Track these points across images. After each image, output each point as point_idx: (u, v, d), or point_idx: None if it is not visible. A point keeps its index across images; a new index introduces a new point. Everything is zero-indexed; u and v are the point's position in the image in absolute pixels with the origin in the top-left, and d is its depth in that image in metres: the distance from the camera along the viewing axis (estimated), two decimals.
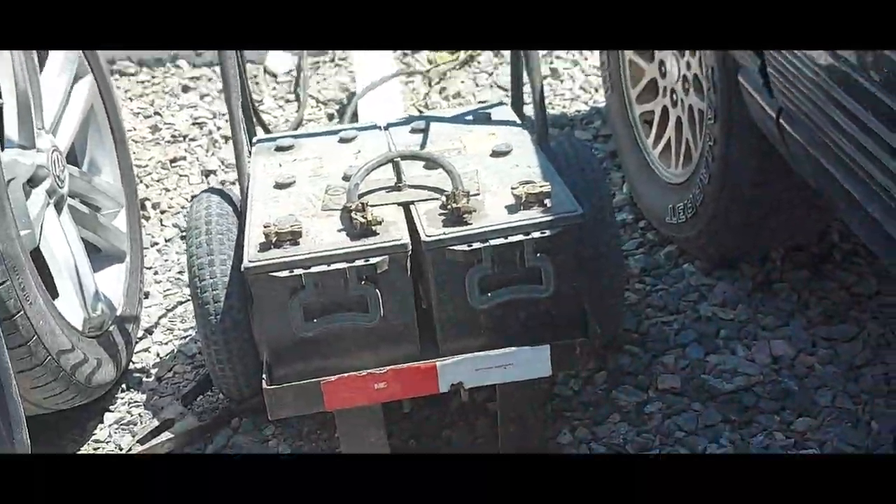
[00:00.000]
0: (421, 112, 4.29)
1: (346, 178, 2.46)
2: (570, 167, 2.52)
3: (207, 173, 3.97)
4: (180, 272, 3.37)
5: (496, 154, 2.50)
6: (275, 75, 4.78)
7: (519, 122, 2.71)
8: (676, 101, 3.03)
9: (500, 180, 2.37)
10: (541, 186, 2.22)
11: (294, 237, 2.17)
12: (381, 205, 2.31)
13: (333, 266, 2.13)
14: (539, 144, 2.56)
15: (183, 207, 3.77)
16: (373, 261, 2.14)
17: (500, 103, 2.85)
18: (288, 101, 4.58)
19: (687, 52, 2.87)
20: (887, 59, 1.54)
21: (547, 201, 2.22)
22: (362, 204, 2.20)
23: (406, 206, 2.32)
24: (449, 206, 2.21)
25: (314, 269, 2.12)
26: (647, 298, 2.97)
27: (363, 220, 2.17)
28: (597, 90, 4.26)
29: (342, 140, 2.69)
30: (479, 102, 4.30)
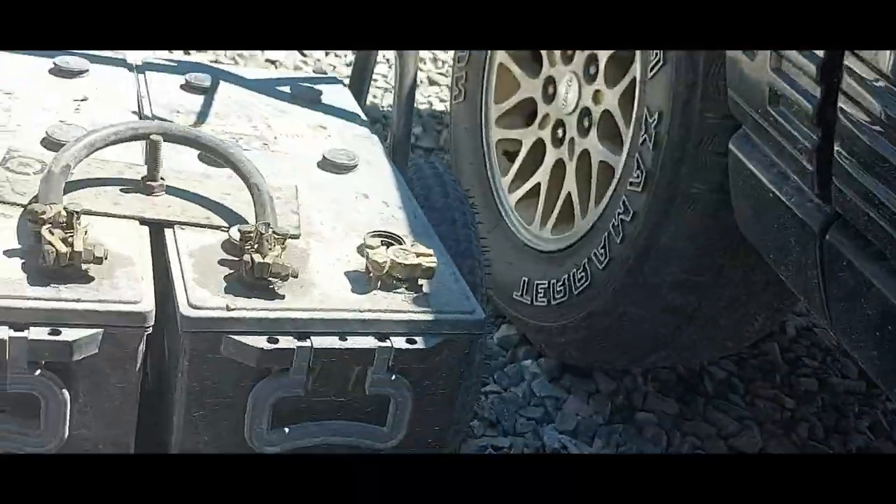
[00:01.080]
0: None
1: (48, 143, 1.33)
2: (434, 213, 1.54)
3: None
4: None
5: (331, 166, 1.47)
6: None
7: (364, 117, 1.68)
8: (563, 140, 2.13)
9: (339, 218, 1.35)
10: (420, 255, 1.22)
11: None
12: (108, 216, 1.21)
13: None
14: (397, 166, 1.56)
15: None
16: (67, 335, 1.05)
17: (334, 80, 1.81)
18: None
19: (602, 77, 1.98)
20: None
21: (425, 285, 1.23)
22: (68, 211, 1.09)
23: (159, 229, 1.24)
24: (244, 254, 1.16)
25: None
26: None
27: (62, 249, 1.07)
28: (423, 83, 3.29)
29: (60, 71, 1.53)
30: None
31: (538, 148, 2.23)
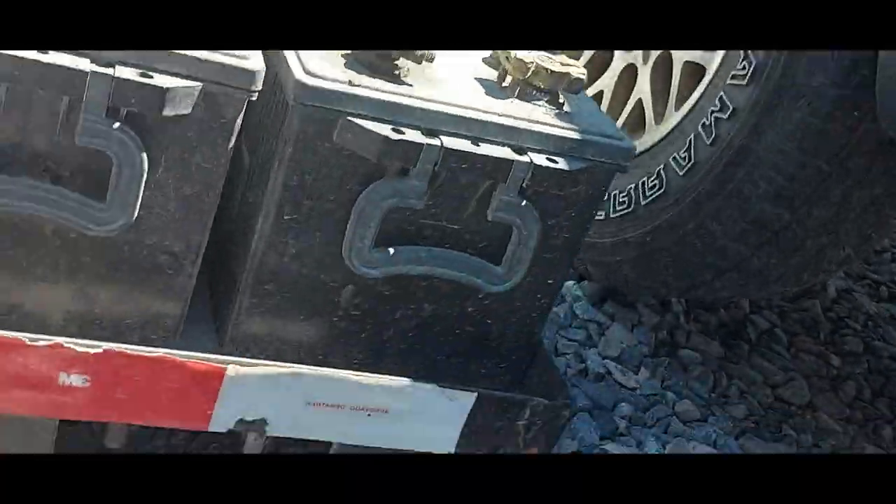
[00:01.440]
0: None
1: None
2: None
3: None
4: None
5: None
6: None
7: None
8: None
9: None
10: (565, 64, 1.03)
11: None
12: None
13: (55, 60, 0.82)
14: None
15: None
16: (160, 81, 0.84)
17: None
18: None
19: None
20: None
21: (567, 104, 1.04)
22: None
23: None
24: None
25: None
26: None
27: None
28: None
29: None
30: None
31: (603, 53, 2.06)
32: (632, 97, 1.95)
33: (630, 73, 1.97)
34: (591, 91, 2.06)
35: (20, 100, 0.85)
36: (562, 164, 0.99)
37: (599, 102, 2.03)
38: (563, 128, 1.00)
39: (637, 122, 1.93)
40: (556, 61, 1.03)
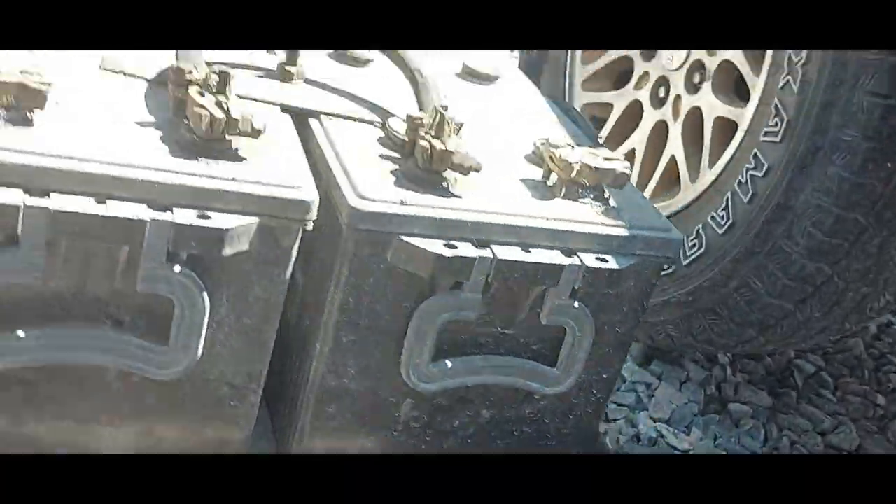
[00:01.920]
0: None
1: None
2: None
3: None
4: None
5: (472, 75, 1.29)
6: None
7: None
8: (665, 100, 1.96)
9: (493, 128, 1.16)
10: (609, 159, 1.04)
11: (26, 111, 0.83)
12: (246, 99, 1.02)
13: (114, 211, 0.83)
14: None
15: None
16: (219, 222, 0.85)
17: None
18: None
19: None
20: None
21: (612, 199, 1.04)
22: (220, 72, 0.90)
23: (300, 116, 1.04)
24: (417, 141, 0.97)
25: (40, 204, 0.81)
26: None
27: (218, 114, 0.87)
28: None
29: None
30: None
31: (633, 110, 2.06)
32: (664, 154, 1.95)
33: (661, 129, 1.97)
34: (622, 149, 2.06)
35: (79, 251, 0.86)
36: (611, 262, 0.99)
37: (632, 160, 2.03)
38: (610, 225, 1.01)
39: (672, 179, 1.93)
40: (599, 157, 1.04)
